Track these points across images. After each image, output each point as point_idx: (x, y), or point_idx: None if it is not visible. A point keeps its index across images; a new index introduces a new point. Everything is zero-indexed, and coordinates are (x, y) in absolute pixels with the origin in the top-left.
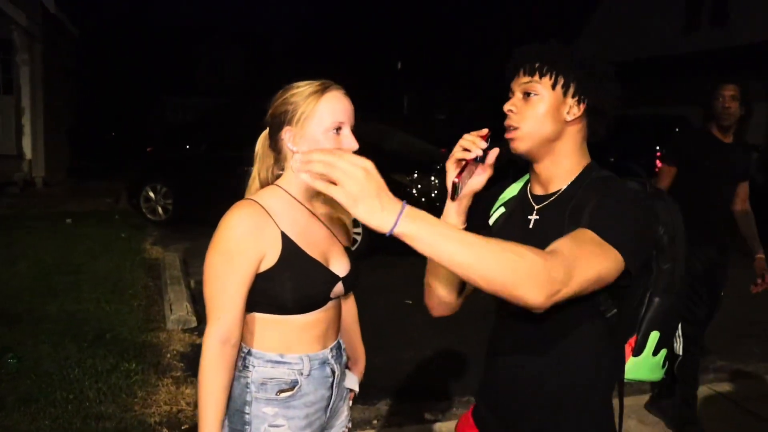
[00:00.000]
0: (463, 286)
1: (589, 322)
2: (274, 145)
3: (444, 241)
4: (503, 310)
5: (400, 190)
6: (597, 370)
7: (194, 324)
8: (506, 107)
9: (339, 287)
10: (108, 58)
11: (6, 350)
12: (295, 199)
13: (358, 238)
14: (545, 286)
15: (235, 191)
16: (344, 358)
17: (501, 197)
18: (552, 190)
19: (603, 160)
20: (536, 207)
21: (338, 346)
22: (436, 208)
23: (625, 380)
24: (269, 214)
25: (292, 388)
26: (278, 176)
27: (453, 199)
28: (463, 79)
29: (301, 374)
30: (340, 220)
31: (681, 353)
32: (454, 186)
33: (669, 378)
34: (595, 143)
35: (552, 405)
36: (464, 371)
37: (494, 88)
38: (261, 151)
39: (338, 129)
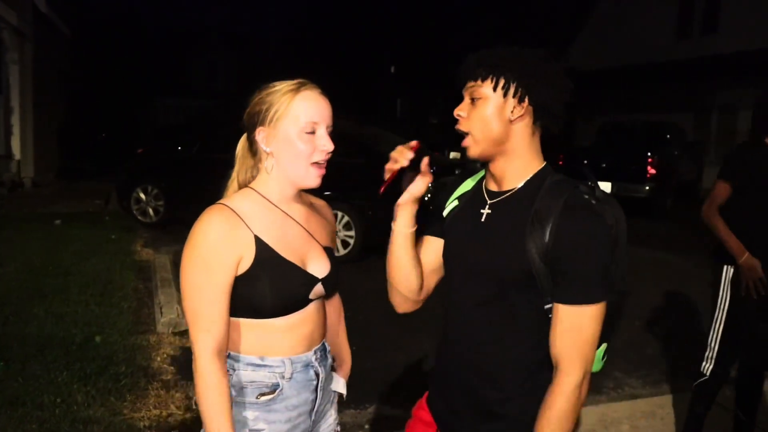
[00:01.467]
0: (422, 285)
1: (534, 314)
2: (251, 146)
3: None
4: (452, 302)
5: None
6: (540, 359)
7: (185, 327)
8: (456, 112)
9: (319, 288)
10: (100, 58)
11: None
12: (269, 201)
13: (351, 241)
14: (585, 394)
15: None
16: (329, 361)
17: (456, 191)
18: (506, 187)
19: (594, 166)
20: (489, 201)
21: (323, 349)
22: (429, 210)
23: None
24: (241, 217)
25: (273, 392)
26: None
27: (396, 210)
28: (456, 84)
29: (283, 377)
30: (320, 221)
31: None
32: (383, 194)
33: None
34: (585, 149)
35: (497, 393)
36: None
37: (454, 82)
38: (241, 153)
39: (313, 131)
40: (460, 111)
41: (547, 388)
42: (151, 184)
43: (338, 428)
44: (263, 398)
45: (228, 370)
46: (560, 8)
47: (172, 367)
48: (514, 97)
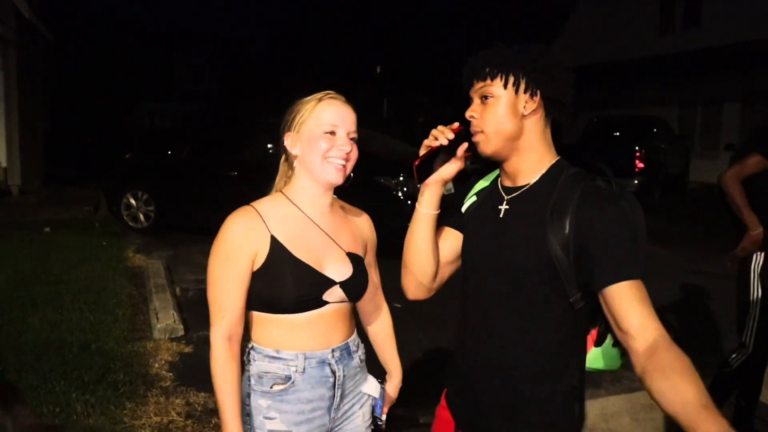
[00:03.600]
0: (437, 272)
1: (559, 313)
2: (286, 155)
3: None
4: (471, 299)
5: (385, 193)
6: (563, 357)
7: (181, 333)
8: (468, 114)
9: (337, 291)
10: (84, 63)
11: None
12: (294, 204)
13: None
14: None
15: (218, 197)
16: (354, 361)
17: (474, 187)
18: (520, 183)
19: (584, 161)
20: (506, 197)
21: (346, 348)
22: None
23: (586, 369)
24: (262, 218)
25: (285, 383)
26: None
27: (418, 182)
28: (442, 83)
29: (296, 371)
30: (349, 229)
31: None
32: (416, 169)
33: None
34: (573, 144)
35: (520, 390)
36: None
37: (461, 84)
38: (282, 168)
39: (333, 132)
40: (472, 112)
41: (566, 386)
42: (141, 189)
43: (375, 428)
44: (276, 388)
45: (250, 361)
46: (543, 6)
47: (170, 374)
48: (525, 92)
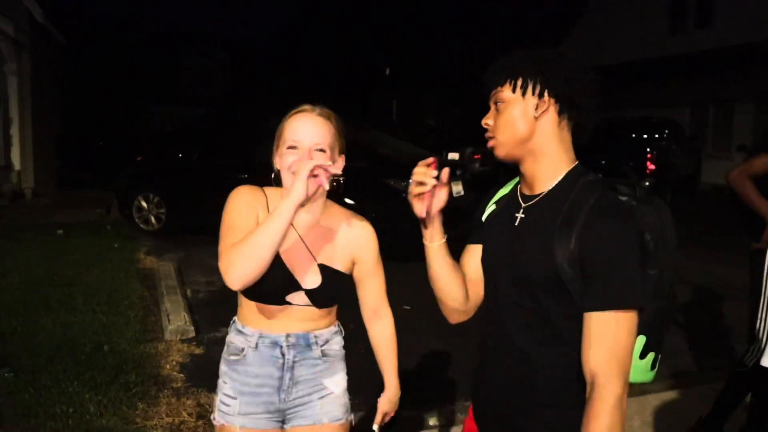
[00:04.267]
0: (467, 293)
1: (569, 320)
2: None
3: None
4: (490, 309)
5: (395, 195)
6: (576, 367)
7: (192, 334)
8: (483, 121)
9: (301, 296)
10: (95, 67)
11: (2, 364)
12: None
13: None
14: (624, 404)
15: None
16: (314, 353)
17: (495, 196)
18: (537, 190)
19: (593, 163)
20: (523, 206)
21: (304, 337)
22: (472, 219)
23: None
24: (266, 196)
25: (238, 354)
26: None
27: (426, 227)
28: (451, 85)
29: (249, 346)
30: (331, 240)
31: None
32: (428, 216)
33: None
34: (584, 146)
35: (543, 404)
36: (465, 375)
37: (481, 93)
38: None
39: (295, 146)
40: (487, 120)
41: (581, 398)
42: (153, 191)
43: (335, 422)
44: (232, 358)
45: (229, 330)
46: (554, 6)
47: (181, 375)
48: (533, 94)
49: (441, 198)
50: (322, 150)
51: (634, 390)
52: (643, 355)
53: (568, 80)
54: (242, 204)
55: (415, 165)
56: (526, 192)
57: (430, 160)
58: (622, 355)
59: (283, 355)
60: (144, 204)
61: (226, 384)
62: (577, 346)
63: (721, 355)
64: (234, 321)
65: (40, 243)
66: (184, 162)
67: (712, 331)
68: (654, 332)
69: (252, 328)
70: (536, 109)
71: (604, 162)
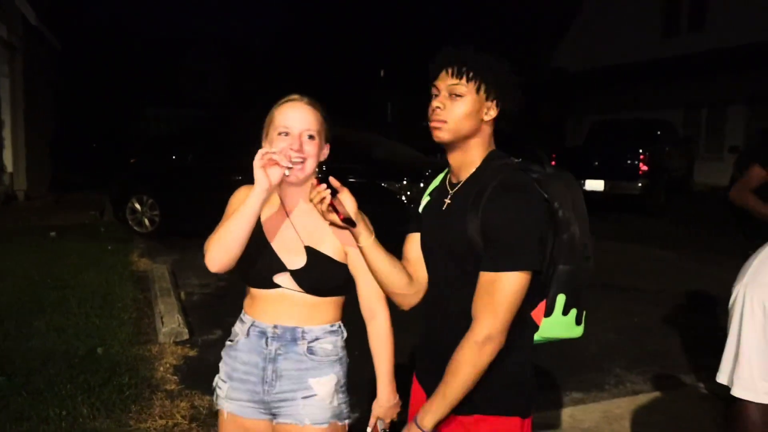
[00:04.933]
0: (410, 278)
1: None
2: None
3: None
4: (429, 286)
5: (389, 197)
6: (510, 333)
7: (186, 336)
8: (434, 104)
9: (287, 278)
10: (89, 69)
11: None
12: (279, 196)
13: None
14: (492, 352)
15: (223, 202)
16: (299, 348)
17: (429, 187)
18: (463, 177)
19: (587, 164)
20: (450, 192)
21: (291, 331)
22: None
23: (544, 339)
24: None
25: (233, 340)
26: None
27: (354, 226)
28: (429, 73)
29: (242, 334)
30: (320, 226)
31: None
32: (349, 221)
33: None
34: (577, 148)
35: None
36: None
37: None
38: None
39: (286, 133)
40: (439, 103)
41: (515, 357)
42: (147, 194)
43: (318, 426)
44: (228, 342)
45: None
46: (547, 9)
47: (175, 377)
48: (492, 101)
49: (348, 201)
50: (311, 136)
51: (627, 390)
52: (565, 312)
53: (513, 95)
54: (238, 202)
55: (410, 166)
56: (454, 180)
57: (314, 181)
58: (497, 305)
59: (267, 345)
60: (138, 206)
61: (222, 366)
62: None
63: (712, 355)
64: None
65: (33, 246)
66: (178, 164)
67: (704, 331)
68: (572, 290)
69: (249, 316)
70: (487, 113)
71: (597, 163)
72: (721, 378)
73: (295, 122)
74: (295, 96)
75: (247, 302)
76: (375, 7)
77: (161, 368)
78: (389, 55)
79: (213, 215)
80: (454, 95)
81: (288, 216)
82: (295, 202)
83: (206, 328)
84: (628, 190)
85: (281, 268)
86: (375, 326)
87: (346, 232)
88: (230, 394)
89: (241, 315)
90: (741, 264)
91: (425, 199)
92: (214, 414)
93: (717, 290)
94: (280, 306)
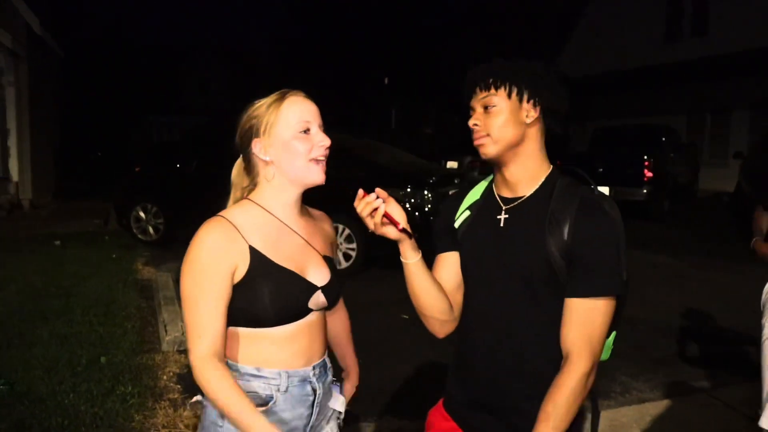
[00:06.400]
0: (450, 303)
1: (562, 310)
2: (247, 164)
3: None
4: (478, 310)
5: None
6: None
7: None
8: (471, 122)
9: (320, 297)
10: (93, 77)
11: None
12: (267, 211)
13: (353, 254)
14: (590, 382)
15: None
16: (329, 377)
17: (464, 201)
18: (519, 193)
19: (590, 171)
20: (504, 207)
21: (323, 365)
22: (430, 223)
23: None
24: (237, 228)
25: (266, 404)
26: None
27: (411, 237)
28: (449, 94)
29: (278, 390)
30: (320, 231)
31: None
32: (406, 231)
33: None
34: (581, 154)
35: (531, 382)
36: None
37: (460, 95)
38: (237, 179)
39: (307, 130)
40: (475, 121)
41: None
42: (151, 202)
43: None
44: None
45: None
46: (551, 15)
47: (178, 386)
48: (528, 102)
49: (397, 211)
50: (322, 129)
51: (633, 399)
52: (607, 335)
53: (553, 92)
54: (206, 276)
55: (413, 174)
56: (506, 194)
57: (360, 193)
58: (595, 337)
59: (314, 390)
60: (142, 214)
61: None
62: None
63: (720, 365)
64: (234, 365)
65: (37, 254)
66: (182, 172)
67: (712, 339)
68: (618, 313)
69: (272, 368)
70: (528, 116)
71: (601, 170)
72: (764, 423)
73: (314, 115)
74: (290, 90)
75: (254, 354)
76: (378, 14)
77: (164, 377)
78: (393, 62)
79: None
80: (487, 108)
81: (294, 231)
82: (292, 212)
83: None
84: (633, 196)
85: (312, 288)
86: (342, 316)
87: None
88: None
89: (251, 371)
90: (746, 270)
91: (463, 214)
92: None
93: (722, 297)
94: (309, 340)
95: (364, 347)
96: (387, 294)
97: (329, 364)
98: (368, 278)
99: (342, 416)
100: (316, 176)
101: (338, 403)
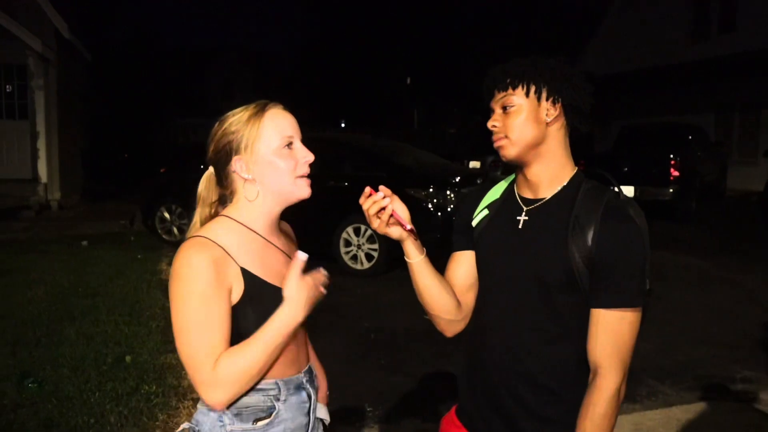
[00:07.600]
0: (458, 303)
1: (578, 315)
2: (222, 181)
3: None
4: (491, 312)
5: (416, 205)
6: (585, 360)
7: None
8: (490, 124)
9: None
10: (119, 81)
11: (26, 375)
12: (248, 228)
13: (375, 254)
14: (622, 393)
15: None
16: (316, 384)
17: (483, 200)
18: (541, 194)
19: (616, 170)
20: (525, 208)
21: (310, 371)
22: (452, 223)
23: None
24: (223, 249)
25: (269, 415)
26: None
27: (417, 237)
28: (472, 93)
29: (278, 400)
30: (290, 241)
31: None
32: (412, 231)
33: None
34: (607, 153)
35: (543, 390)
36: None
37: (481, 96)
38: (205, 193)
39: (289, 144)
40: (494, 122)
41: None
42: (175, 203)
43: None
44: (260, 423)
45: None
46: (573, 14)
47: None
48: (547, 100)
49: (402, 210)
50: (305, 145)
51: (659, 402)
52: None
53: (574, 88)
54: (206, 298)
55: (436, 174)
56: (528, 195)
57: (367, 190)
58: (624, 349)
59: (309, 397)
60: (167, 215)
61: None
62: (584, 342)
63: (749, 367)
64: None
65: (65, 254)
66: None
67: (740, 342)
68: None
69: (268, 379)
70: (548, 114)
71: (626, 169)
72: None
73: (295, 129)
74: (266, 102)
75: None
76: (402, 15)
77: (188, 377)
78: (416, 63)
79: None
80: (506, 108)
81: (277, 247)
82: (272, 228)
83: None
84: (659, 195)
85: None
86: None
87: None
88: None
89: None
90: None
91: (481, 213)
92: None
93: (749, 298)
94: (297, 349)
95: (384, 348)
96: (410, 295)
97: (314, 371)
98: (391, 278)
99: (328, 423)
100: (303, 192)
101: (322, 411)
